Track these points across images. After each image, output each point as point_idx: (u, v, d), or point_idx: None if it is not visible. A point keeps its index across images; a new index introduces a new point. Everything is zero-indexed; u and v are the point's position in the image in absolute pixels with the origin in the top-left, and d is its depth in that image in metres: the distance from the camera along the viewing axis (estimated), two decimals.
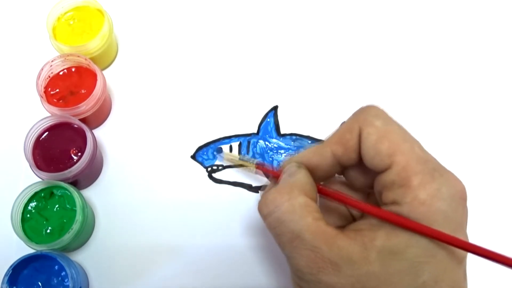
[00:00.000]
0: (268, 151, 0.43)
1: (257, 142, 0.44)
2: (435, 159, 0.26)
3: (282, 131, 0.44)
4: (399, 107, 0.45)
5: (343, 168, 0.30)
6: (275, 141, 0.44)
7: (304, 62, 0.47)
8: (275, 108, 0.45)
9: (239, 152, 0.43)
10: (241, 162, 0.40)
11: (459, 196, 0.25)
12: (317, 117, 0.45)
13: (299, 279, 0.27)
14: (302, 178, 0.29)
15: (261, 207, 0.28)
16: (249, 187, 0.42)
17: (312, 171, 0.29)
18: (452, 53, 0.47)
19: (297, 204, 0.27)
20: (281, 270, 0.39)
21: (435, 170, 0.26)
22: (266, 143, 0.44)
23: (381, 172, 0.27)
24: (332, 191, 0.29)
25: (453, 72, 0.47)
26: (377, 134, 0.27)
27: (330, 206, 0.32)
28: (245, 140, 0.44)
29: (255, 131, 0.44)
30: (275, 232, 0.28)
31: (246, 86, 0.46)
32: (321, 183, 0.31)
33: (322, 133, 0.44)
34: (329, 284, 0.25)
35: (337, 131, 0.29)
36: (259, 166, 0.37)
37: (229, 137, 0.44)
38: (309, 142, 0.44)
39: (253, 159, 0.39)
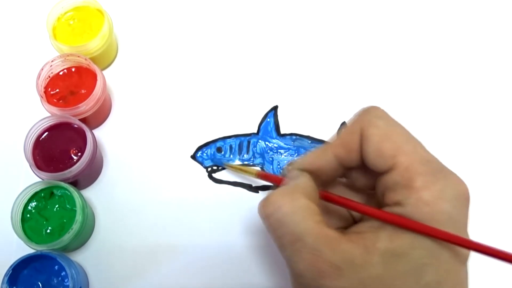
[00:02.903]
0: (268, 151, 0.43)
1: (257, 142, 0.44)
2: (438, 160, 0.26)
3: (282, 131, 0.44)
4: (399, 107, 0.45)
5: (345, 171, 0.30)
6: (275, 141, 0.44)
7: (304, 62, 0.47)
8: (275, 108, 0.45)
9: (239, 153, 0.43)
10: (242, 171, 0.39)
11: (463, 197, 0.25)
12: (317, 117, 0.45)
13: (299, 285, 0.27)
14: (305, 181, 0.29)
15: (262, 208, 0.28)
16: (249, 187, 0.42)
17: (314, 175, 0.29)
18: (453, 53, 0.47)
19: (299, 206, 0.27)
20: (281, 270, 0.39)
21: (439, 171, 0.26)
22: (266, 143, 0.44)
23: (383, 173, 0.27)
24: (335, 196, 0.29)
25: (453, 72, 0.47)
26: (379, 135, 0.27)
27: (330, 207, 0.31)
28: (245, 140, 0.44)
29: (255, 131, 0.44)
30: (275, 234, 0.27)
31: (246, 86, 0.46)
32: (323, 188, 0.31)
33: (322, 133, 0.44)
34: None
35: (339, 133, 0.29)
36: (260, 174, 0.36)
37: (229, 137, 0.44)
38: (309, 142, 0.44)
39: (253, 168, 0.39)
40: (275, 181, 0.33)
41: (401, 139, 0.26)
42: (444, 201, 0.25)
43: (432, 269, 0.24)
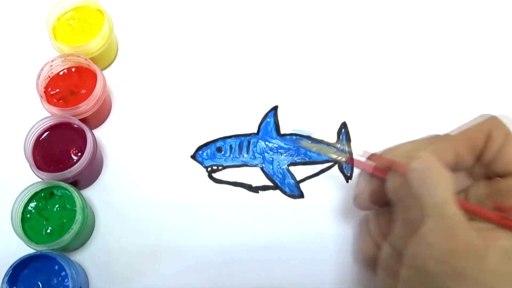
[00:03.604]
0: (268, 151, 0.43)
1: (257, 142, 0.44)
2: None
3: (282, 131, 0.44)
4: (398, 107, 0.45)
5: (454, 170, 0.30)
6: (275, 141, 0.44)
7: (304, 62, 0.47)
8: (275, 108, 0.45)
9: (239, 153, 0.43)
10: (332, 154, 0.37)
11: None
12: (317, 117, 0.45)
13: (421, 250, 0.26)
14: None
15: (415, 160, 0.28)
16: (249, 187, 0.42)
17: None
18: (455, 55, 0.47)
19: (447, 175, 0.27)
20: (281, 271, 0.39)
21: None
22: (266, 143, 0.44)
23: (499, 177, 0.27)
24: (472, 205, 0.28)
25: (455, 74, 0.47)
26: (505, 137, 0.27)
27: None
28: (245, 140, 0.44)
29: (255, 131, 0.44)
30: (418, 191, 0.27)
31: (246, 86, 0.46)
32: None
33: (322, 133, 0.44)
34: (458, 273, 0.25)
35: (465, 130, 0.29)
36: (372, 157, 0.33)
37: (229, 137, 0.44)
38: (309, 142, 0.44)
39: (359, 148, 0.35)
40: (399, 169, 0.29)
41: None
42: None
43: None
